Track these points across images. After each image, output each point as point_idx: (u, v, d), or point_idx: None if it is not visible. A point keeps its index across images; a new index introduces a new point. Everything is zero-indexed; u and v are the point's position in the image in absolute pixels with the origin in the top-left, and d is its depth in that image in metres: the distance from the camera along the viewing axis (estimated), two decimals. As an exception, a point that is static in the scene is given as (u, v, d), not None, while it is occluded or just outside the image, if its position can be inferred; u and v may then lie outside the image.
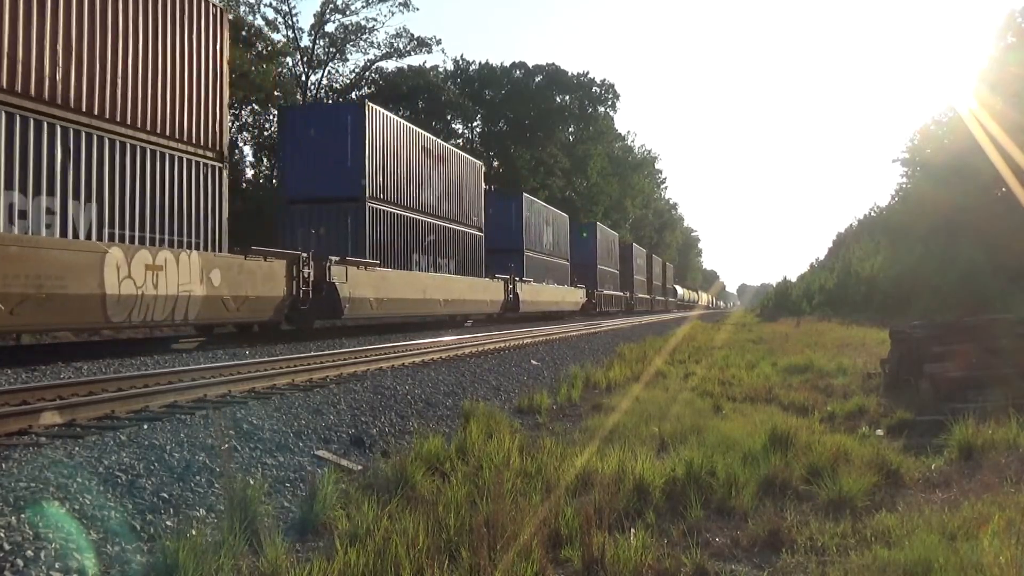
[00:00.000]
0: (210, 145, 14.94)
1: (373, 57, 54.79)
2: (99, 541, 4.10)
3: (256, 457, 5.89)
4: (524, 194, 40.55)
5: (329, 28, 51.52)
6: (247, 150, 43.69)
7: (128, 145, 13.01)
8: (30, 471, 4.66)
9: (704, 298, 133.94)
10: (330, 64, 53.35)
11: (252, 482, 4.88)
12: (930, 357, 9.32)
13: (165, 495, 4.81)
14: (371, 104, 22.90)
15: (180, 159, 14.18)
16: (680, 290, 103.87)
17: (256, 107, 41.56)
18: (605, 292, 51.95)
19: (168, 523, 4.50)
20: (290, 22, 51.22)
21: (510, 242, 37.39)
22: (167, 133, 13.84)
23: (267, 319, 16.35)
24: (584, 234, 49.99)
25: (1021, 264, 23.29)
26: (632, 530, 4.45)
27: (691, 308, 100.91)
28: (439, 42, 74.48)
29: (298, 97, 46.81)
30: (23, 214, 11.09)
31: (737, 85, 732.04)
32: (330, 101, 48.53)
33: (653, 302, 73.78)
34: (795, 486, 5.52)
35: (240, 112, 40.19)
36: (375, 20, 58.19)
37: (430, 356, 13.61)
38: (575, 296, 44.15)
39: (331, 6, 50.50)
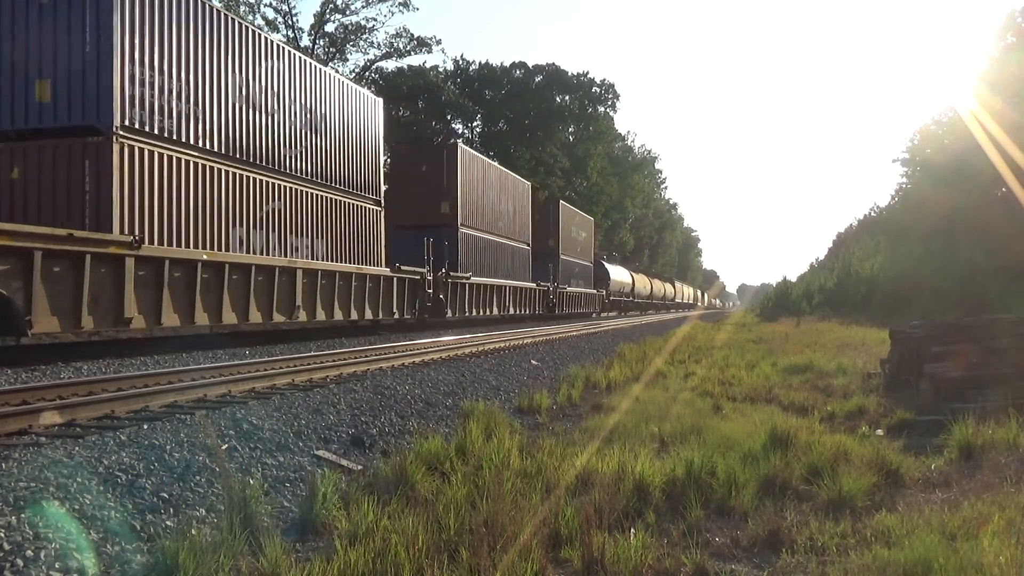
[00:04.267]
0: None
1: (373, 57, 54.86)
2: (99, 541, 4.10)
3: (256, 457, 5.89)
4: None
5: (329, 28, 51.63)
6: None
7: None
8: (30, 471, 4.66)
9: (688, 292, 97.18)
10: (330, 64, 53.38)
11: (252, 482, 4.88)
12: (930, 357, 9.31)
13: (165, 495, 4.81)
14: None
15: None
16: (625, 273, 58.36)
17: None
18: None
19: (168, 523, 4.50)
20: (290, 22, 51.09)
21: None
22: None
23: None
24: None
25: (1021, 264, 23.29)
26: (632, 530, 4.45)
27: (671, 309, 78.28)
28: (439, 42, 74.39)
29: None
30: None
31: (737, 85, 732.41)
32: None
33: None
34: (795, 486, 5.52)
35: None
36: (375, 20, 58.29)
37: (430, 356, 13.61)
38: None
39: (331, 6, 50.56)
